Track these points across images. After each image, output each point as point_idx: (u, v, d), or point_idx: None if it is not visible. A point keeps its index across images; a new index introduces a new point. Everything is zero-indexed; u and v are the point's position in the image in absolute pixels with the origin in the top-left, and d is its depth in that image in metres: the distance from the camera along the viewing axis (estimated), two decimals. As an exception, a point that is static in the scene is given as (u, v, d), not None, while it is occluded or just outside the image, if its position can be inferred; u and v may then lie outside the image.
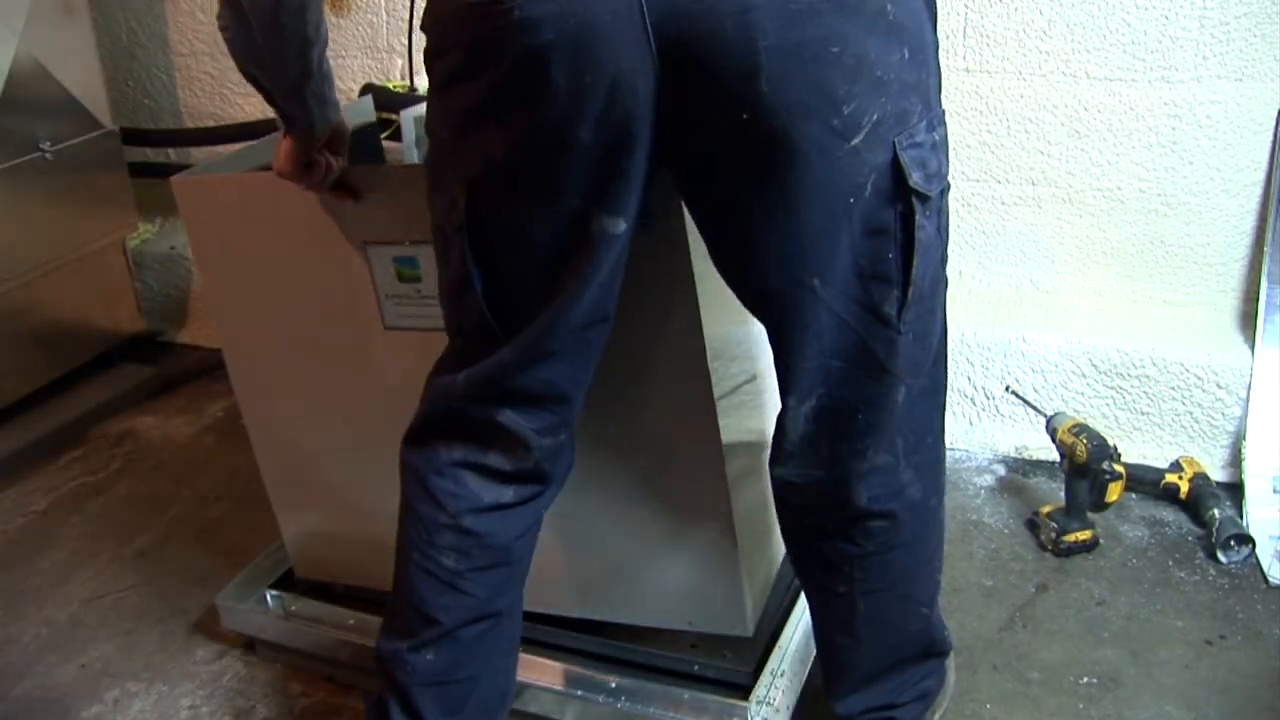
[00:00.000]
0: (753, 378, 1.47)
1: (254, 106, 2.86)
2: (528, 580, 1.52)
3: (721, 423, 1.33)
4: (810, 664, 1.55)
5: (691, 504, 1.41)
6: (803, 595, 1.63)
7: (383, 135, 1.84)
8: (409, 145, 1.63)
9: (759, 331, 1.17)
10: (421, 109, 1.93)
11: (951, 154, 2.28)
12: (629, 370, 1.32)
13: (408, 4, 2.50)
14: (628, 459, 1.41)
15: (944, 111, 1.07)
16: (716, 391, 1.31)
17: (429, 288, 1.37)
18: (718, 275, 1.14)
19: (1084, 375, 2.16)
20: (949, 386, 2.29)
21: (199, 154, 2.97)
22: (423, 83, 2.54)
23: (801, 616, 1.60)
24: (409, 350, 1.42)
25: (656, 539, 1.45)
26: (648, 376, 1.33)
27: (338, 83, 2.78)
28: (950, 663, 1.44)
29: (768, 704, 1.45)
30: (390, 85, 2.58)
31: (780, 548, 1.58)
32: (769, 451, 1.21)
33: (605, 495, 1.45)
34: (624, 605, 1.52)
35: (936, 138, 1.04)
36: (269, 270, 1.49)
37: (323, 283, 1.46)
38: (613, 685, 1.50)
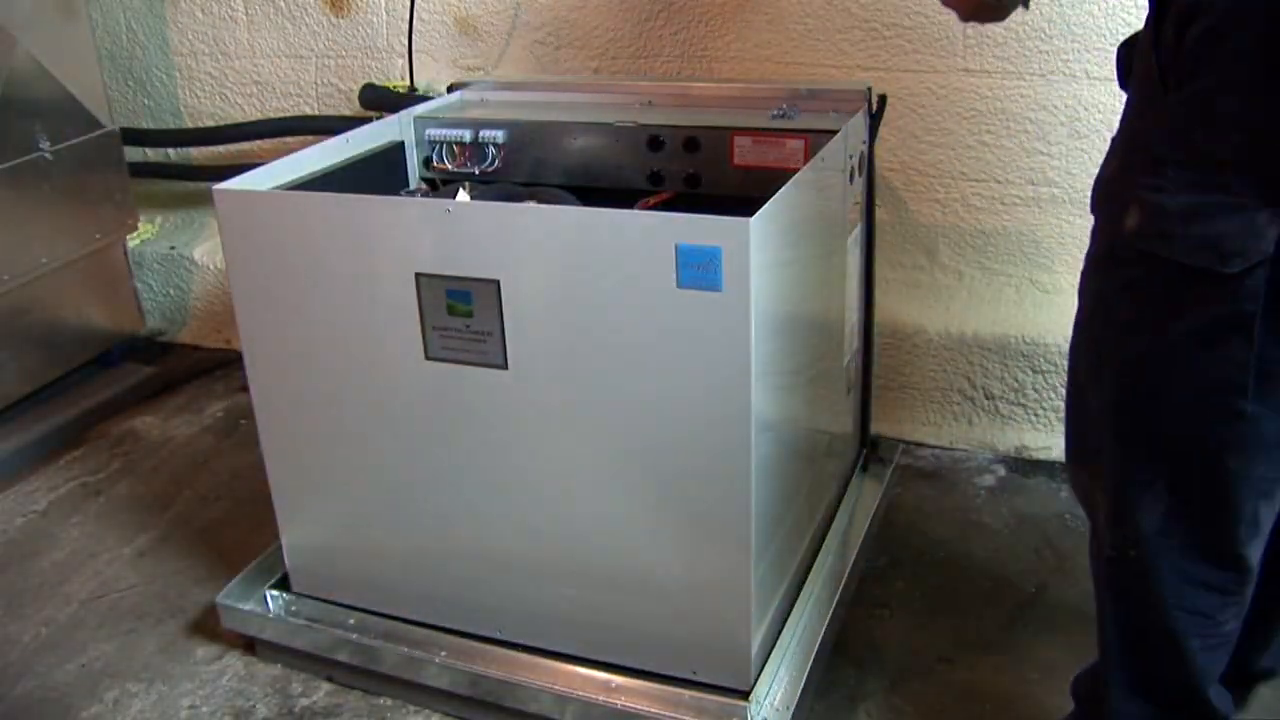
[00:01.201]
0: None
1: (254, 107, 2.86)
2: (530, 617, 1.57)
3: (753, 484, 1.36)
4: (810, 664, 1.55)
5: (712, 562, 1.42)
6: (802, 597, 1.64)
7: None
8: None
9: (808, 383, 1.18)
10: (420, 110, 1.94)
11: (951, 154, 2.29)
12: (671, 414, 1.36)
13: (408, 4, 2.51)
14: (655, 507, 1.42)
15: None
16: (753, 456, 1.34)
17: (478, 323, 1.39)
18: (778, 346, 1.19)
19: (1084, 375, 2.15)
20: (950, 387, 2.29)
21: (199, 154, 2.97)
22: (423, 83, 2.55)
23: (801, 617, 1.60)
24: (448, 381, 1.45)
25: (672, 591, 1.46)
26: (689, 420, 1.36)
27: (337, 83, 2.80)
28: None
29: (768, 704, 1.45)
30: (390, 85, 2.58)
31: (781, 599, 1.60)
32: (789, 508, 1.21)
33: (626, 541, 1.46)
34: (630, 650, 1.53)
35: None
36: (305, 287, 1.49)
37: (362, 306, 1.47)
38: (613, 685, 1.50)
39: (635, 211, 1.51)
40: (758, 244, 1.24)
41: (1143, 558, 1.16)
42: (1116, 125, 1.19)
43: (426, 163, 1.94)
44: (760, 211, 1.27)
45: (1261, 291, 0.96)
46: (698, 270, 1.26)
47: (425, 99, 2.16)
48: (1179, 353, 1.05)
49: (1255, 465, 1.07)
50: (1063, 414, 1.31)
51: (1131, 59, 1.17)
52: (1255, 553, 1.15)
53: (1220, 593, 1.17)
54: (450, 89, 2.11)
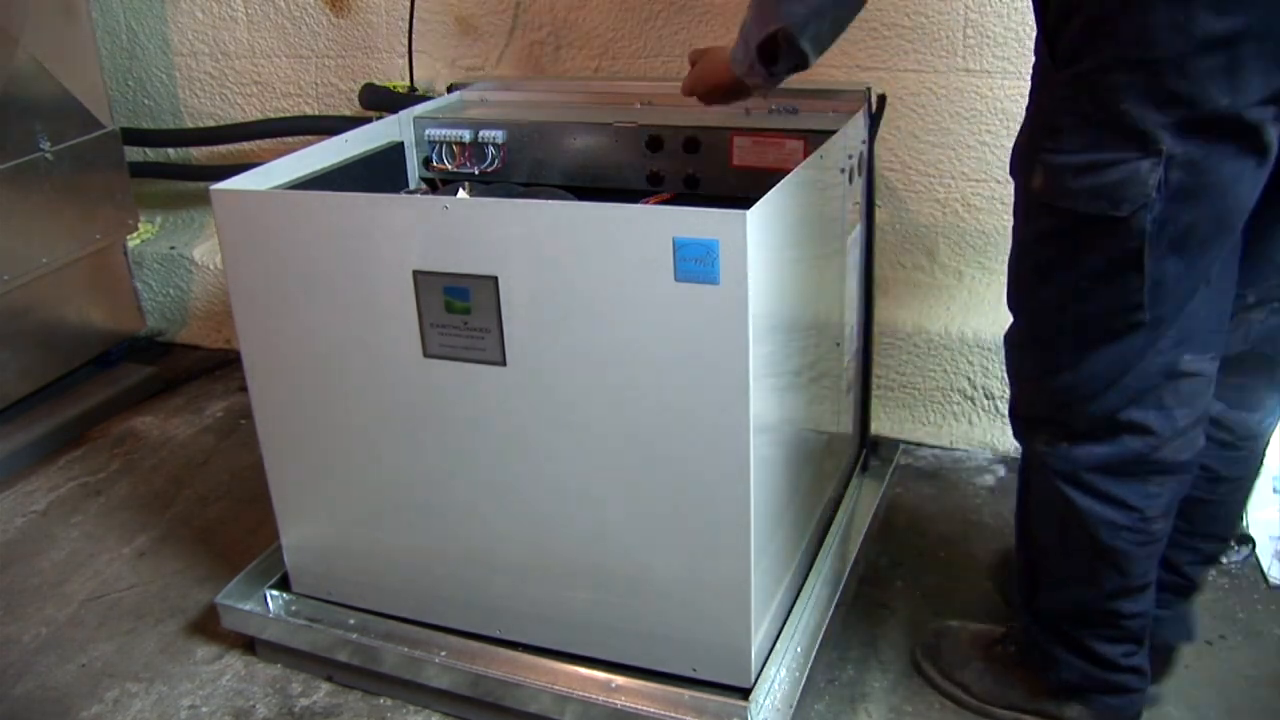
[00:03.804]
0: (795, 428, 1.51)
1: (254, 107, 2.86)
2: (530, 616, 1.57)
3: (753, 481, 1.36)
4: (810, 664, 1.55)
5: (712, 562, 1.42)
6: (802, 597, 1.64)
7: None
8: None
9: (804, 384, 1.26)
10: (421, 109, 1.94)
11: (951, 154, 2.28)
12: (670, 410, 1.36)
13: (408, 4, 2.51)
14: (655, 504, 1.42)
15: None
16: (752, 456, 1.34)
17: (476, 320, 1.39)
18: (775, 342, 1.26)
19: (1084, 375, 2.15)
20: (950, 387, 2.29)
21: (199, 154, 2.97)
22: (423, 83, 2.55)
23: (801, 617, 1.60)
24: (447, 378, 1.45)
25: (672, 590, 1.46)
26: (688, 417, 1.36)
27: (337, 83, 2.80)
28: None
29: (768, 704, 1.45)
30: (390, 85, 2.58)
31: (781, 599, 1.60)
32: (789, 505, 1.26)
33: (626, 540, 1.46)
34: (630, 649, 1.53)
35: None
36: (302, 286, 1.49)
37: (360, 305, 1.47)
38: (613, 685, 1.50)
39: (632, 205, 1.51)
40: (755, 237, 1.25)
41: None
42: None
43: (426, 163, 1.94)
44: (757, 204, 1.27)
45: (1147, 227, 1.17)
46: (695, 264, 1.26)
47: (425, 99, 2.16)
48: (1085, 289, 1.25)
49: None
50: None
51: None
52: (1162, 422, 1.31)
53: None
54: (450, 89, 2.11)
